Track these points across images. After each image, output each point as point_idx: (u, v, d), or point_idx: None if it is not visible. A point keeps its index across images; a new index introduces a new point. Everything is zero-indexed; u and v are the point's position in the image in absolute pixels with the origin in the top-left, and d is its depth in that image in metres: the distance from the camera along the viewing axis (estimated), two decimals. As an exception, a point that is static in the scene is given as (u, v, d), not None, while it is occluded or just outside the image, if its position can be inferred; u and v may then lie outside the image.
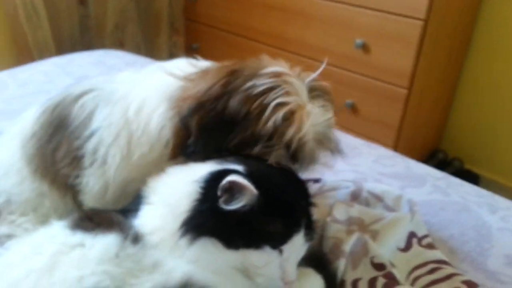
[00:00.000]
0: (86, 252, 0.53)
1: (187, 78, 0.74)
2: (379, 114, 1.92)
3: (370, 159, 1.08)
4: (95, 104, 0.74)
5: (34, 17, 2.02)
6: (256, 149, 0.67)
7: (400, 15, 1.71)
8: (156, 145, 0.72)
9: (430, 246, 0.80)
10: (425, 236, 0.81)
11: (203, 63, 0.80)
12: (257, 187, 0.57)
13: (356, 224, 0.81)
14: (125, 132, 0.72)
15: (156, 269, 0.54)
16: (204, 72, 0.74)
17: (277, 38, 2.18)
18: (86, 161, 0.74)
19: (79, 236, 0.55)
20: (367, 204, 0.87)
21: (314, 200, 0.70)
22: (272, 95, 0.66)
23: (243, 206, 0.57)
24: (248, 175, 0.59)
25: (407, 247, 0.79)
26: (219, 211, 0.57)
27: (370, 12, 1.79)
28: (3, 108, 1.21)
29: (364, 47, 1.84)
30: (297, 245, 0.62)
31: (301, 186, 0.68)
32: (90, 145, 0.73)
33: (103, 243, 0.54)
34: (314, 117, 0.68)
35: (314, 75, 0.74)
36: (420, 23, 1.66)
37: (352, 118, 2.01)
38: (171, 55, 2.62)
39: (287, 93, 0.67)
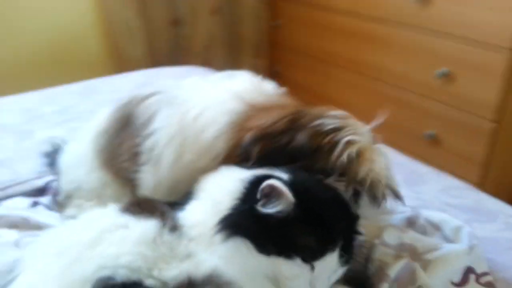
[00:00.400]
0: (127, 233, 0.57)
1: (252, 105, 0.76)
2: (463, 148, 1.79)
3: (437, 187, 1.02)
4: (158, 105, 0.79)
5: (130, 34, 2.23)
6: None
7: (484, 43, 1.61)
8: (204, 156, 0.74)
9: (490, 285, 0.73)
10: (485, 274, 0.74)
11: (267, 87, 0.84)
12: (296, 196, 0.58)
13: (408, 251, 0.76)
14: (180, 136, 0.76)
15: (188, 259, 0.56)
16: (269, 108, 0.76)
17: (357, 64, 2.16)
18: (143, 158, 0.79)
19: (126, 218, 0.60)
20: (423, 232, 0.82)
21: (359, 226, 0.69)
22: (342, 133, 0.69)
23: (279, 212, 0.57)
24: (290, 184, 0.60)
25: (463, 283, 0.73)
26: (257, 214, 0.58)
27: (453, 40, 1.71)
28: (92, 109, 1.34)
29: (447, 76, 1.76)
30: (330, 265, 0.61)
31: (346, 209, 0.66)
32: (148, 144, 0.78)
33: (143, 227, 0.58)
34: (382, 157, 0.71)
35: (377, 121, 0.78)
36: (507, 52, 1.55)
37: (432, 150, 1.90)
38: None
39: (355, 133, 0.70)
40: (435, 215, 0.84)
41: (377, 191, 0.69)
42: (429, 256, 0.75)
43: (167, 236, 0.58)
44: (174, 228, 0.59)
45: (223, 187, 0.64)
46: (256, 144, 0.70)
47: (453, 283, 0.73)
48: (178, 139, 0.76)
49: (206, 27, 2.50)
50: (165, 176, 0.77)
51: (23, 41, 2.06)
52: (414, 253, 0.76)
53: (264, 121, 0.72)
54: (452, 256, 0.74)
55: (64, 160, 0.93)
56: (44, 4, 2.08)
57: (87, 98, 1.46)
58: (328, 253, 0.59)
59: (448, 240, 0.80)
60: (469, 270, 0.74)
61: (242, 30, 2.63)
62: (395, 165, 1.07)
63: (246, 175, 0.64)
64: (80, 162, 0.88)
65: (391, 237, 0.78)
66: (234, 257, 0.58)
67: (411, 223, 0.83)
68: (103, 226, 0.58)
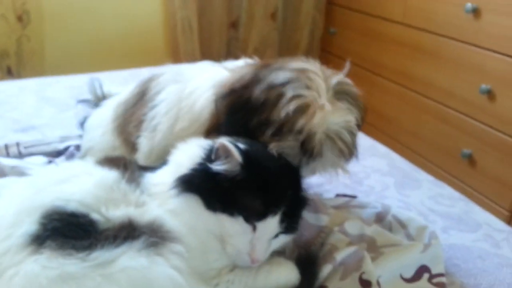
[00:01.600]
0: (90, 178, 0.64)
1: (232, 70, 0.83)
2: (498, 171, 1.70)
3: (427, 194, 1.00)
4: (166, 82, 0.88)
5: (188, 31, 2.38)
6: (268, 133, 0.71)
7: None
8: (195, 123, 0.81)
9: (442, 286, 0.72)
10: (440, 275, 0.73)
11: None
12: (246, 161, 0.63)
13: (367, 242, 0.77)
14: (176, 107, 0.83)
15: (137, 207, 0.63)
16: (246, 65, 0.83)
17: (403, 75, 2.12)
18: (145, 125, 0.87)
19: (94, 168, 0.68)
20: (389, 228, 0.82)
21: (309, 197, 0.73)
22: (290, 86, 0.71)
23: (227, 170, 0.63)
24: (244, 150, 0.65)
25: (414, 279, 0.72)
26: (209, 173, 0.64)
27: (499, 57, 1.63)
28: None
29: (489, 94, 1.68)
30: (271, 228, 0.65)
31: (294, 179, 0.71)
32: (151, 114, 0.87)
33: (104, 174, 0.65)
34: (329, 114, 0.69)
35: (339, 76, 0.77)
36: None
37: (467, 169, 1.81)
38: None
39: (306, 87, 0.71)
40: (403, 214, 0.83)
41: (311, 144, 0.69)
42: (386, 250, 0.76)
43: (124, 185, 0.65)
44: (133, 181, 0.67)
45: (187, 153, 0.71)
46: (225, 99, 0.76)
47: (403, 278, 0.73)
48: (174, 110, 0.84)
49: (261, 31, 2.58)
50: (159, 142, 0.85)
51: (101, 27, 2.32)
52: (372, 245, 0.77)
53: (235, 77, 0.78)
54: (405, 251, 0.74)
55: (89, 122, 1.06)
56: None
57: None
58: (270, 216, 0.64)
59: (411, 238, 0.79)
60: (423, 269, 0.74)
61: (295, 35, 2.69)
62: (393, 167, 1.08)
63: (208, 142, 0.71)
64: (98, 125, 0.99)
65: (352, 227, 0.79)
66: (183, 211, 0.64)
67: (379, 218, 0.84)
68: (73, 171, 0.67)
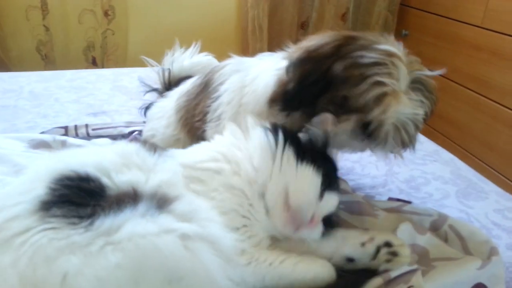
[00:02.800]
0: (111, 148, 0.66)
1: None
2: None
3: (493, 206, 0.89)
4: (229, 73, 0.84)
5: (258, 30, 2.37)
6: (337, 112, 0.68)
7: None
8: (260, 100, 0.76)
9: (499, 309, 0.62)
10: (499, 296, 0.64)
11: None
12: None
13: (418, 254, 0.69)
14: (238, 95, 0.80)
15: (147, 171, 0.61)
16: (324, 34, 0.74)
17: (479, 82, 1.94)
18: (209, 117, 0.85)
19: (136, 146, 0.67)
20: (445, 239, 0.73)
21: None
22: (375, 70, 0.65)
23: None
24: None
25: (468, 298, 0.64)
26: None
27: None
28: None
29: None
30: (330, 204, 0.65)
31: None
32: (215, 104, 0.84)
33: (128, 145, 0.66)
34: (403, 106, 0.66)
35: (427, 71, 0.72)
36: None
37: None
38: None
39: (389, 74, 0.65)
40: (462, 225, 0.74)
41: (377, 132, 0.67)
42: (439, 263, 0.67)
43: (144, 152, 0.64)
44: (155, 151, 0.65)
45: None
46: (300, 66, 0.69)
47: (455, 296, 0.64)
48: (237, 97, 0.80)
49: (331, 30, 2.50)
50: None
51: (178, 21, 2.37)
52: (424, 257, 0.69)
53: (312, 43, 0.71)
54: (460, 266, 0.65)
55: (152, 111, 1.07)
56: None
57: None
58: (333, 190, 0.65)
59: (468, 252, 0.70)
60: (479, 286, 0.65)
61: (366, 37, 2.57)
62: (456, 176, 0.97)
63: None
64: (162, 116, 0.99)
65: (404, 234, 0.72)
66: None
67: (434, 227, 0.75)
68: (116, 148, 0.66)
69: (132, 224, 0.49)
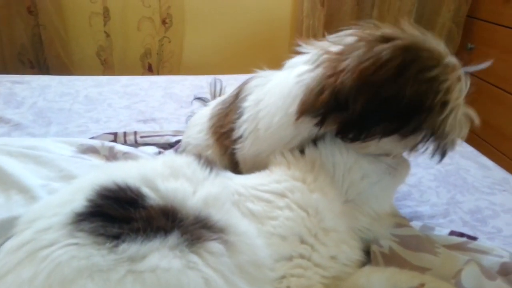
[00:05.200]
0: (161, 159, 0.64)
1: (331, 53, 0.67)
2: None
3: None
4: (252, 88, 0.80)
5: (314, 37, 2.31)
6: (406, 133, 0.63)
7: None
8: (278, 112, 0.71)
9: None
10: None
11: None
12: None
13: (484, 301, 0.61)
14: (255, 110, 0.76)
15: (196, 183, 0.59)
16: (356, 34, 0.66)
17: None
18: (234, 134, 0.81)
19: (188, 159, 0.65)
20: (517, 286, 0.63)
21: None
22: (455, 94, 0.62)
23: None
24: None
25: None
26: None
27: None
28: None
29: None
30: None
31: None
32: (239, 122, 0.80)
33: (185, 158, 0.64)
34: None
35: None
36: None
37: None
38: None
39: (459, 91, 0.63)
40: (540, 271, 0.64)
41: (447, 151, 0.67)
42: (510, 314, 0.58)
43: (195, 165, 0.62)
44: (210, 166, 0.63)
45: None
46: (359, 95, 0.61)
47: None
48: (254, 114, 0.76)
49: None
50: (248, 149, 0.79)
51: (234, 32, 2.39)
52: (492, 306, 0.60)
53: (358, 60, 0.61)
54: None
55: (192, 119, 1.05)
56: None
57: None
58: None
59: (546, 305, 0.60)
60: None
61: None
62: None
63: None
64: (197, 123, 0.97)
65: (470, 278, 0.63)
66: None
67: (505, 271, 0.65)
68: (170, 160, 0.64)
69: (159, 256, 0.45)
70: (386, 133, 0.63)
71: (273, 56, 2.38)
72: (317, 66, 0.67)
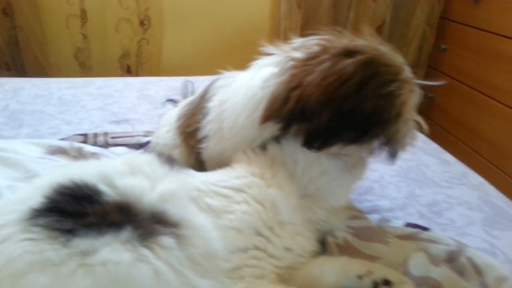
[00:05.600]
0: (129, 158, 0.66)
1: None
2: None
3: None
4: (219, 87, 0.83)
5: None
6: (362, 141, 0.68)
7: None
8: (242, 113, 0.74)
9: None
10: None
11: None
12: None
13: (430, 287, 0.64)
14: (219, 110, 0.79)
15: (155, 180, 0.61)
16: (319, 56, 0.68)
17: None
18: (200, 134, 0.84)
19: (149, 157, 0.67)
20: (461, 272, 0.67)
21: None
22: (408, 106, 0.68)
23: None
24: None
25: None
26: None
27: None
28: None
29: None
30: None
31: None
32: (203, 122, 0.83)
33: (144, 157, 0.66)
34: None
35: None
36: None
37: None
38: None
39: (412, 103, 0.69)
40: (482, 257, 0.68)
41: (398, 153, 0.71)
42: (452, 299, 0.62)
43: (156, 163, 0.64)
44: (168, 163, 0.65)
45: None
46: (324, 109, 0.64)
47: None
48: (218, 114, 0.79)
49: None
50: (213, 150, 0.82)
51: (212, 35, 2.42)
52: (437, 291, 0.64)
53: (323, 75, 0.65)
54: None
55: (162, 119, 1.07)
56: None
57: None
58: None
59: (486, 289, 0.64)
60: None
61: (401, 50, 2.47)
62: (485, 202, 0.90)
63: None
64: (167, 123, 1.00)
65: (417, 265, 0.66)
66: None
67: (451, 258, 0.69)
68: (132, 159, 0.66)
69: (110, 250, 0.47)
70: (348, 143, 0.68)
71: (252, 57, 2.42)
72: (283, 72, 0.70)
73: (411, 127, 0.69)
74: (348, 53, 0.66)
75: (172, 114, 1.00)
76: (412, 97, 0.68)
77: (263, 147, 0.75)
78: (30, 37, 2.18)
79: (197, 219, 0.58)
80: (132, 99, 1.46)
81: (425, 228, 0.79)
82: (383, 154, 0.72)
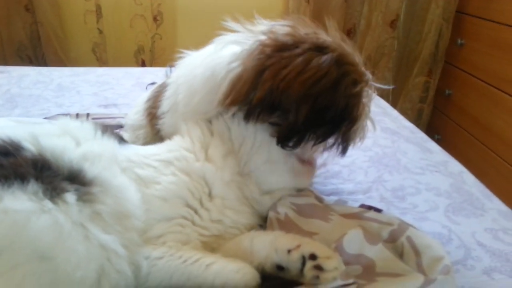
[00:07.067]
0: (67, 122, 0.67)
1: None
2: None
3: (488, 226, 0.75)
4: (180, 64, 0.82)
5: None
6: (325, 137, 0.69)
7: None
8: (197, 93, 0.73)
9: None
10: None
11: None
12: None
13: (363, 266, 0.60)
14: (175, 88, 0.78)
15: (82, 141, 0.62)
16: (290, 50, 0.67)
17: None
18: (159, 111, 0.84)
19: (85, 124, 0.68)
20: (400, 253, 0.63)
21: None
22: (367, 106, 0.71)
23: None
24: None
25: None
26: None
27: None
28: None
29: None
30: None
31: None
32: (163, 97, 0.83)
33: (74, 122, 0.67)
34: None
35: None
36: None
37: None
38: (419, 96, 2.44)
39: (370, 103, 0.72)
40: (422, 238, 0.63)
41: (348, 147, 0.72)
42: (382, 279, 0.58)
43: (89, 129, 0.65)
44: (104, 131, 0.67)
45: None
46: (302, 104, 0.64)
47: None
48: (174, 92, 0.79)
49: (377, 38, 2.37)
50: (168, 125, 0.82)
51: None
52: (368, 270, 0.60)
53: (299, 70, 0.64)
54: (398, 284, 0.55)
55: (135, 102, 1.08)
56: None
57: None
58: None
59: (420, 269, 0.59)
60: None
61: (417, 45, 2.40)
62: (456, 189, 0.86)
63: None
64: (137, 104, 1.01)
65: (352, 242, 0.63)
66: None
67: (392, 238, 0.65)
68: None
69: (12, 199, 0.48)
70: (319, 141, 0.68)
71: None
72: (251, 57, 0.68)
73: (365, 127, 0.72)
74: (319, 49, 0.66)
75: (143, 97, 1.01)
76: (371, 97, 0.71)
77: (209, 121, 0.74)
78: (50, 32, 2.27)
79: (114, 179, 0.58)
80: (127, 86, 1.49)
81: (378, 210, 0.74)
82: (334, 150, 0.72)
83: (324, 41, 0.67)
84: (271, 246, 0.61)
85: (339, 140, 0.70)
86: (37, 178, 0.52)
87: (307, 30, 0.70)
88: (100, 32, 2.31)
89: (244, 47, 0.70)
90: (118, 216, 0.55)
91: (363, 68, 0.69)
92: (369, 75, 0.70)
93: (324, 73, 0.64)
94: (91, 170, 0.57)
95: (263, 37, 0.70)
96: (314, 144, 0.68)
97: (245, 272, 0.56)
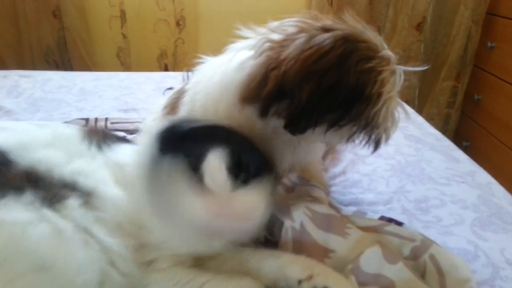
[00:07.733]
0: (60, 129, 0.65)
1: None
2: None
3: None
4: (198, 70, 0.81)
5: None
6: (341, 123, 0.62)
7: None
8: (217, 96, 0.71)
9: None
10: None
11: None
12: None
13: (381, 287, 0.57)
14: (193, 92, 0.77)
15: (75, 156, 0.60)
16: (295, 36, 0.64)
17: None
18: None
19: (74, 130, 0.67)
20: (422, 272, 0.59)
21: None
22: (388, 86, 0.62)
23: None
24: None
25: None
26: None
27: None
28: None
29: None
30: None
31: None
32: (180, 103, 0.81)
33: (67, 129, 0.66)
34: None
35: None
36: None
37: None
38: (446, 101, 2.36)
39: (393, 84, 0.63)
40: (446, 257, 0.59)
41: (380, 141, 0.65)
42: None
43: (82, 138, 0.63)
44: (97, 145, 0.64)
45: None
46: (304, 83, 0.60)
47: None
48: (190, 95, 0.77)
49: (402, 41, 2.31)
50: None
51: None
52: (387, 290, 0.56)
53: (301, 48, 0.60)
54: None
55: (152, 108, 1.07)
56: None
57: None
58: None
59: (443, 291, 0.55)
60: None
61: (444, 48, 2.32)
62: (484, 201, 0.81)
63: None
64: (155, 111, 0.99)
65: (370, 261, 0.60)
66: None
67: (414, 255, 0.61)
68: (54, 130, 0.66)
69: (7, 210, 0.47)
70: (331, 124, 0.63)
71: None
72: (260, 54, 0.66)
73: (392, 110, 0.64)
74: (326, 30, 0.62)
75: (160, 103, 1.00)
76: (393, 78, 0.63)
77: None
78: (76, 38, 2.31)
79: (110, 191, 0.56)
80: (147, 91, 1.49)
81: (399, 223, 0.71)
82: (364, 143, 0.65)
83: (332, 24, 0.63)
84: (280, 272, 0.57)
85: (362, 125, 0.63)
86: (30, 189, 0.51)
87: (320, 21, 0.66)
88: (124, 37, 2.34)
89: (255, 48, 0.68)
90: (119, 227, 0.54)
91: (379, 45, 0.62)
92: (392, 55, 0.63)
93: (328, 48, 0.59)
94: (86, 182, 0.55)
95: (272, 35, 0.67)
96: (328, 130, 0.63)
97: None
